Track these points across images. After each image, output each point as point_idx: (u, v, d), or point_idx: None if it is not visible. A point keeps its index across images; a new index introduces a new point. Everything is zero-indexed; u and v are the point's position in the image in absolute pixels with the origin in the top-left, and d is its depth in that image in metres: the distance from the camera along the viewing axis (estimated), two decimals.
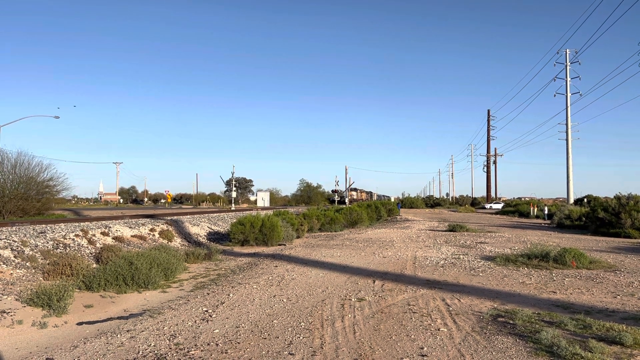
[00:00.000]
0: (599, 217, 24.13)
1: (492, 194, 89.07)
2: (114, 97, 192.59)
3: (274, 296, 8.79)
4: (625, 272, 11.30)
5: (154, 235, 17.10)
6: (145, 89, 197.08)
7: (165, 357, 5.49)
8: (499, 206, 75.45)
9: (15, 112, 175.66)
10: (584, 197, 54.31)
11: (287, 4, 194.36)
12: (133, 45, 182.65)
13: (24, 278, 9.46)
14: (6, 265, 9.70)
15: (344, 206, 38.81)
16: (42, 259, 10.76)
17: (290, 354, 5.51)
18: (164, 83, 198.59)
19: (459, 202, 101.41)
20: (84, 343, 6.24)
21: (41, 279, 9.77)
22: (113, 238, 14.77)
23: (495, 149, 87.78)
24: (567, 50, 48.15)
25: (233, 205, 52.57)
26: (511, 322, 6.76)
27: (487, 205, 78.52)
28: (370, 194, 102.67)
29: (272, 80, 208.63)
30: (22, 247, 10.91)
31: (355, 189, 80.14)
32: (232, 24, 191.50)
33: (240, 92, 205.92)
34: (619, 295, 8.71)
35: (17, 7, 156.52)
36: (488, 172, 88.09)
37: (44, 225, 15.10)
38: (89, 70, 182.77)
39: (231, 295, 8.99)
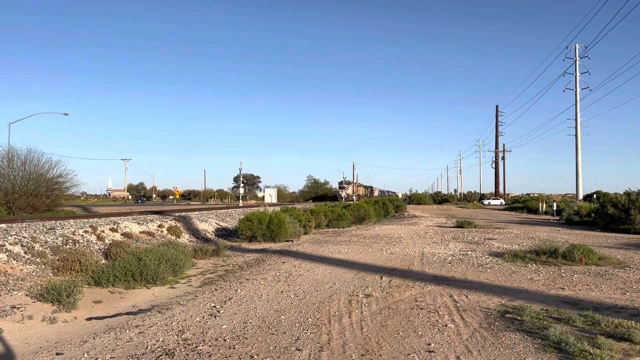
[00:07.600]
0: (608, 213, 23.92)
1: (501, 190, 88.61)
2: (123, 95, 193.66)
3: (282, 292, 8.81)
4: (635, 269, 11.20)
5: (162, 231, 17.20)
6: (153, 87, 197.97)
7: (173, 352, 5.53)
8: (498, 202, 76.63)
9: (25, 110, 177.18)
10: (593, 193, 53.76)
11: (295, 1, 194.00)
12: (141, 43, 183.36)
13: (33, 274, 9.56)
14: (16, 261, 9.80)
15: (352, 202, 38.78)
16: (51, 254, 10.87)
17: (298, 350, 5.52)
18: (172, 81, 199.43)
19: (467, 198, 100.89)
20: (93, 338, 6.31)
21: (51, 274, 9.87)
22: (122, 234, 14.88)
23: (503, 144, 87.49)
24: (577, 45, 47.58)
25: (241, 201, 52.66)
26: (519, 318, 6.74)
27: (486, 202, 79.62)
28: (370, 188, 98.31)
29: (280, 77, 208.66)
30: (32, 243, 11.02)
31: (351, 183, 76.73)
32: (239, 22, 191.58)
33: (248, 89, 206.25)
34: (628, 291, 8.64)
35: (27, 6, 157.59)
36: (496, 168, 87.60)
37: (53, 222, 15.23)
38: (98, 68, 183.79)
39: (239, 291, 9.03)
